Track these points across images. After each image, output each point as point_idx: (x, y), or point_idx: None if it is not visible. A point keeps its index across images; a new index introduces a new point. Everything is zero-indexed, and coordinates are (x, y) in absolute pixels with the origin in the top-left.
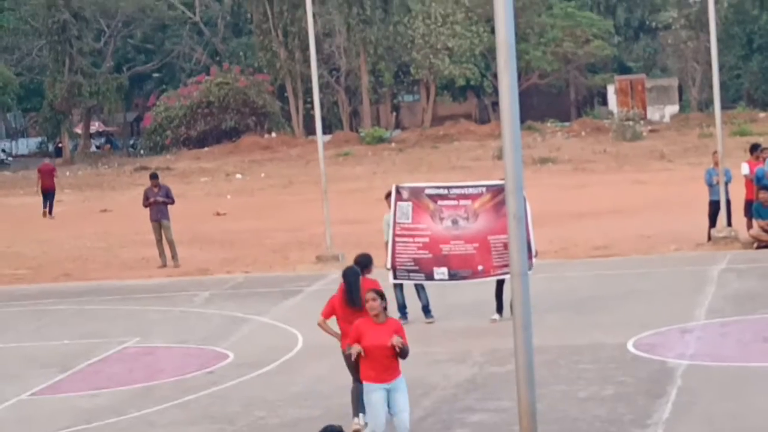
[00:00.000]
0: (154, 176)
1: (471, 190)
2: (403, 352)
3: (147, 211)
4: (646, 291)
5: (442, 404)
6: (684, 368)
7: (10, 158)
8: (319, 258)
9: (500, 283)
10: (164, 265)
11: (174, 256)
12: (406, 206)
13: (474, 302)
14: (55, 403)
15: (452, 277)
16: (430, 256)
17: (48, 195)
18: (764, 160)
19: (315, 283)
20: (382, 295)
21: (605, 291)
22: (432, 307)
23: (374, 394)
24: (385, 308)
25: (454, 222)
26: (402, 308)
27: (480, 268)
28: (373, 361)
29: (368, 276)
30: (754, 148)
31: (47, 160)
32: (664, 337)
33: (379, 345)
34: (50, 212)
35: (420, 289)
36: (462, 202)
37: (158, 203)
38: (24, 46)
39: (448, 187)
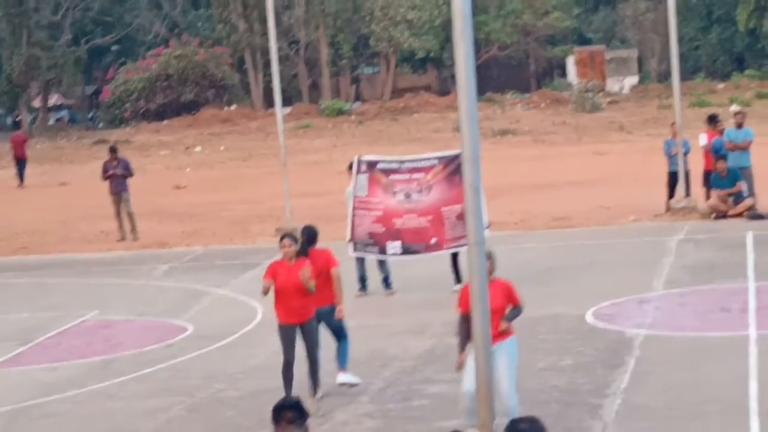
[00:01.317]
0: (112, 149)
1: (423, 163)
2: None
3: (106, 184)
4: (605, 262)
5: (402, 376)
6: (642, 338)
7: None
8: (278, 230)
9: (454, 256)
10: (123, 239)
11: (133, 229)
12: (364, 178)
13: (434, 275)
14: (15, 376)
15: (405, 251)
16: (384, 230)
17: (21, 163)
18: (722, 131)
19: (274, 255)
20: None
21: (564, 262)
22: (392, 279)
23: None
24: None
25: (407, 195)
26: (362, 280)
27: (433, 241)
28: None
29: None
30: (712, 119)
31: (20, 131)
32: (622, 308)
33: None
34: (21, 180)
35: (381, 261)
36: (415, 175)
37: (117, 176)
38: None
39: (401, 161)
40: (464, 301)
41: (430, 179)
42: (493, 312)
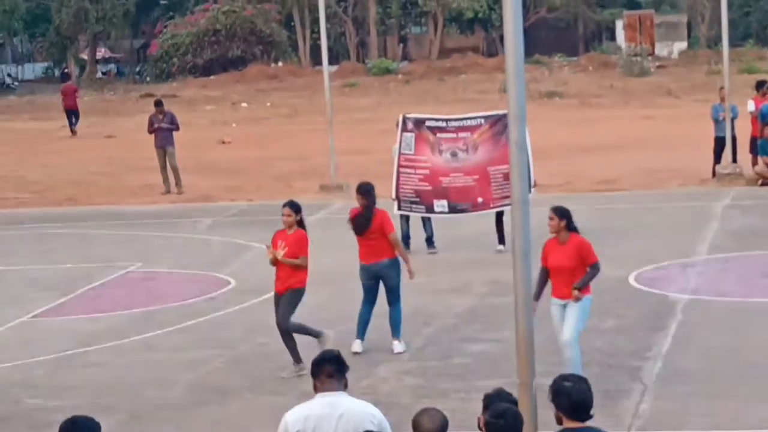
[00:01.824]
0: (158, 103)
1: (470, 122)
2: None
3: (152, 137)
4: (649, 226)
5: (443, 334)
6: (684, 302)
7: (16, 83)
8: (322, 187)
9: (500, 215)
10: (168, 192)
11: (178, 183)
12: (410, 137)
13: (477, 234)
14: (56, 326)
15: (452, 209)
16: (430, 188)
17: (72, 113)
18: None
19: (318, 211)
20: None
21: (608, 225)
22: (436, 239)
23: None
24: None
25: (453, 154)
26: (405, 238)
27: (480, 200)
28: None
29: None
30: (760, 85)
31: (70, 82)
32: (665, 272)
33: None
34: (74, 130)
35: (426, 220)
36: (461, 134)
37: (163, 130)
38: None
39: (447, 120)
40: (543, 255)
41: (476, 138)
42: (564, 269)
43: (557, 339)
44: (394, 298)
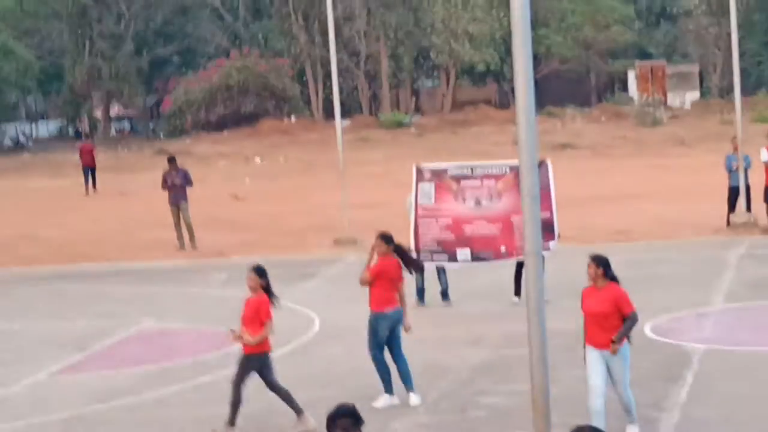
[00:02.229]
0: (171, 159)
1: (494, 170)
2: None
3: (165, 194)
4: (665, 275)
5: (458, 387)
6: (701, 352)
7: (30, 141)
8: (336, 241)
9: (520, 266)
10: (182, 248)
11: (192, 239)
12: (429, 187)
13: (492, 286)
14: (72, 383)
15: (475, 258)
16: (453, 237)
17: (89, 170)
18: None
19: (332, 266)
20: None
21: (623, 275)
22: (451, 291)
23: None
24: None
25: (477, 202)
26: (420, 291)
27: (503, 249)
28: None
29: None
30: None
31: (85, 139)
32: (681, 322)
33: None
34: (94, 187)
35: (441, 272)
36: (485, 182)
37: (176, 186)
38: (44, 30)
39: (472, 167)
40: (581, 302)
41: (500, 187)
42: (598, 316)
43: (588, 382)
44: (397, 350)
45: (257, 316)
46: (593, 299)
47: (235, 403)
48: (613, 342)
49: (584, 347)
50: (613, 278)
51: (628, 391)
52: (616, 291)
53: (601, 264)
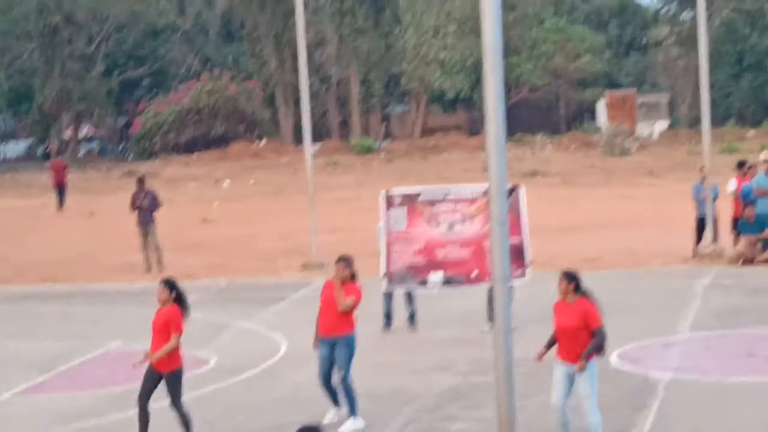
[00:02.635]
0: (140, 180)
1: (468, 194)
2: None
3: (134, 215)
4: (631, 304)
5: (424, 413)
6: (666, 381)
7: None
8: (304, 265)
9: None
10: (149, 270)
11: (159, 261)
12: (400, 212)
13: (461, 312)
14: (36, 404)
15: (447, 282)
16: (426, 261)
17: (61, 189)
18: (751, 177)
19: (300, 290)
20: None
21: None
22: (420, 316)
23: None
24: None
25: (450, 226)
26: (387, 316)
27: (474, 273)
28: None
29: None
30: (741, 165)
31: (60, 158)
32: (647, 351)
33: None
34: (62, 205)
35: (409, 297)
36: (458, 206)
37: (144, 208)
38: (15, 49)
39: (445, 191)
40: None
41: (473, 211)
42: (568, 330)
43: (552, 398)
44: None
45: (166, 328)
46: (563, 314)
47: (186, 422)
48: (581, 359)
49: (544, 347)
50: (584, 293)
51: (595, 411)
52: (585, 306)
53: (572, 279)
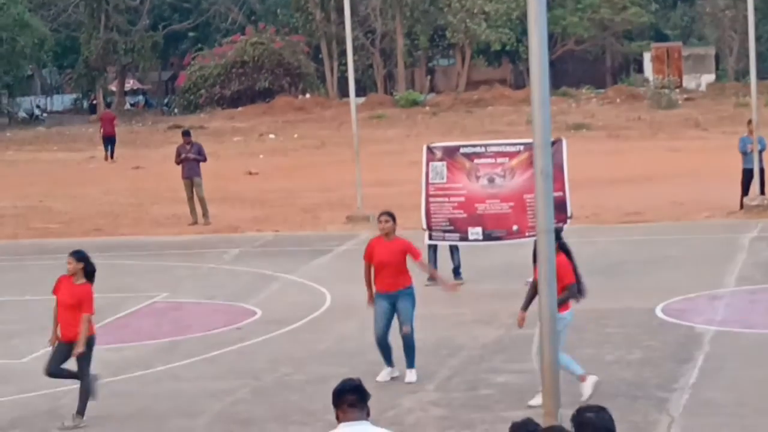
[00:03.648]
0: (186, 133)
1: (509, 148)
2: None
3: (179, 168)
4: (677, 257)
5: (469, 365)
6: (712, 334)
7: (45, 114)
8: (349, 218)
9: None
10: (195, 222)
11: (205, 214)
12: (440, 166)
13: (505, 265)
14: None
15: (487, 237)
16: (465, 215)
17: (109, 140)
18: None
19: (345, 242)
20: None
21: (635, 256)
22: (463, 269)
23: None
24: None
25: (491, 180)
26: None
27: (515, 228)
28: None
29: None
30: None
31: (109, 109)
32: (692, 303)
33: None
34: (112, 156)
35: (454, 250)
36: (499, 159)
37: (190, 160)
38: (60, 3)
39: (485, 145)
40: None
41: (514, 165)
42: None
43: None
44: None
45: (78, 306)
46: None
47: (85, 395)
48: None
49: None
50: (563, 248)
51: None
52: (562, 261)
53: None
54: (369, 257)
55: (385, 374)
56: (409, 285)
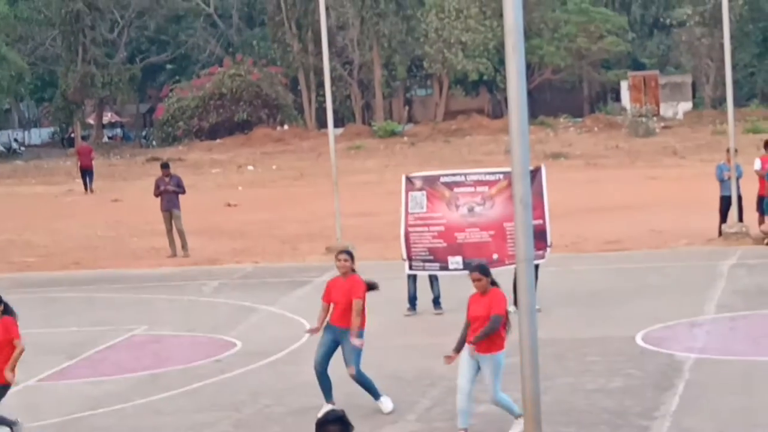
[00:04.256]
0: (165, 166)
1: (488, 177)
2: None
3: (158, 200)
4: (657, 285)
5: (450, 395)
6: (692, 362)
7: (22, 148)
8: (329, 249)
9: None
10: (174, 255)
11: (184, 246)
12: (420, 195)
13: None
14: (62, 390)
15: (467, 266)
16: (445, 245)
17: (87, 173)
18: None
19: (324, 273)
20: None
21: (615, 285)
22: (444, 299)
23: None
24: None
25: (470, 209)
26: (412, 300)
27: (495, 256)
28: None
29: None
30: (767, 145)
31: (86, 142)
32: (673, 331)
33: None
34: (90, 188)
35: (434, 280)
36: (479, 188)
37: (169, 192)
38: (38, 36)
39: (465, 174)
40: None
41: (494, 193)
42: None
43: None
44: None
45: (9, 341)
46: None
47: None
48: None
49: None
50: (495, 284)
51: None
52: (497, 295)
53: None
54: (327, 298)
55: (324, 411)
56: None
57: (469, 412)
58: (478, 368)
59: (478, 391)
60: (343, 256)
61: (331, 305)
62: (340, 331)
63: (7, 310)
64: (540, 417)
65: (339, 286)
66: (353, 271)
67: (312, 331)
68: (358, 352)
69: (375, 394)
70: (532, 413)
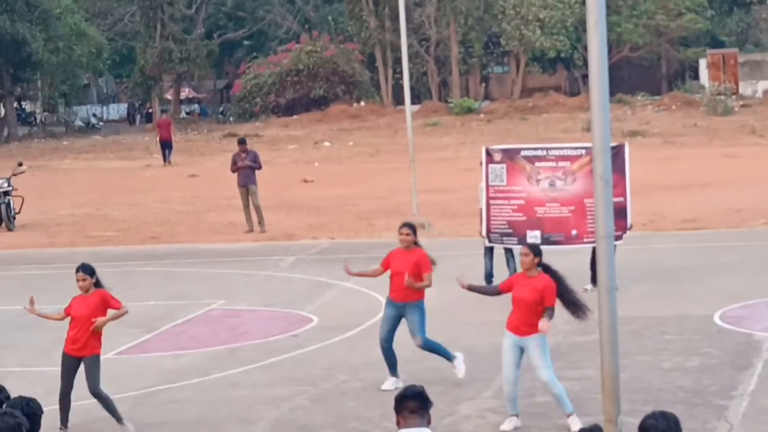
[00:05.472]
0: (242, 141)
1: (570, 152)
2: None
3: (235, 176)
4: (735, 264)
5: (526, 372)
6: None
7: (101, 123)
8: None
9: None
10: (251, 230)
11: (260, 221)
12: (500, 168)
13: (562, 271)
14: (140, 363)
15: (545, 240)
16: (525, 218)
17: (166, 145)
18: None
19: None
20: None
21: (693, 263)
22: None
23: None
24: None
25: (551, 183)
26: (489, 276)
27: (574, 232)
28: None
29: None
30: None
31: (165, 115)
32: (751, 310)
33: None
34: (168, 160)
35: (510, 257)
36: (561, 163)
37: (245, 168)
38: (116, 12)
39: (547, 148)
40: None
41: (576, 168)
42: (524, 303)
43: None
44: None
45: (94, 314)
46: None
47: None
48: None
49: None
50: (547, 269)
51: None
52: (546, 282)
53: (537, 254)
54: (385, 265)
55: (388, 384)
56: (419, 299)
57: (516, 399)
58: (521, 353)
59: (554, 367)
60: (405, 230)
61: (390, 276)
62: (401, 305)
63: (99, 284)
64: (619, 394)
65: (400, 256)
66: (416, 244)
67: (349, 271)
68: (421, 321)
69: (448, 356)
70: (610, 390)
